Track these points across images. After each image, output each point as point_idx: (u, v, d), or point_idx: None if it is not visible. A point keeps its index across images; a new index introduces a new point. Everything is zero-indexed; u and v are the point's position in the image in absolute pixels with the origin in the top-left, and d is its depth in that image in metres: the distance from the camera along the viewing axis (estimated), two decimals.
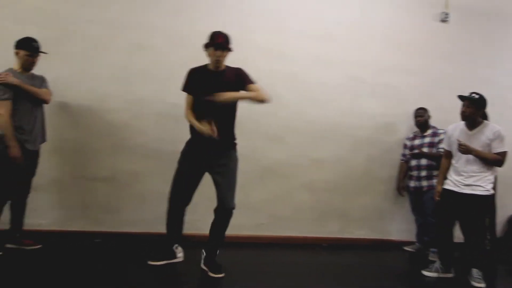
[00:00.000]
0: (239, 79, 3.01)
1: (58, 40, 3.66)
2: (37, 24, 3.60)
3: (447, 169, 3.59)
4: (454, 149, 3.44)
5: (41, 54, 3.25)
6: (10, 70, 3.14)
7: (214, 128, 2.83)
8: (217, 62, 2.95)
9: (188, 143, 3.12)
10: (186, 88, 3.07)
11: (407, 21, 4.67)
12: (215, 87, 2.89)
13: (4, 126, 3.03)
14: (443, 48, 4.76)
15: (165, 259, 3.14)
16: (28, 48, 3.16)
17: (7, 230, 3.28)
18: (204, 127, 2.84)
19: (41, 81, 3.35)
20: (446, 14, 4.73)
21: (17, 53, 3.17)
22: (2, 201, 3.14)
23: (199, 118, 2.95)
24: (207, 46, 2.96)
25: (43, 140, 3.40)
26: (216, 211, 3.01)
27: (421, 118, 4.30)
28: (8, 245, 3.24)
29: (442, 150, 3.81)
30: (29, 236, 3.38)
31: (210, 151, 2.98)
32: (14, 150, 3.05)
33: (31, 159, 3.25)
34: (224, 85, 2.93)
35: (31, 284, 2.61)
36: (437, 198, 3.57)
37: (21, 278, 2.69)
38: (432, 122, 4.32)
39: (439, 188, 3.59)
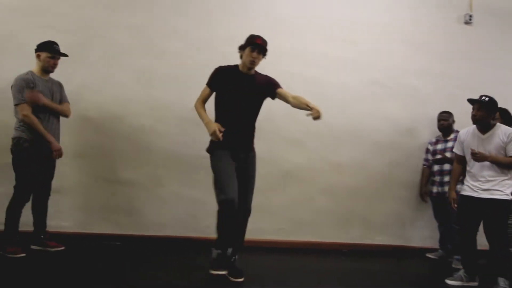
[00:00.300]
0: (270, 84, 3.05)
1: (82, 46, 3.75)
2: (62, 31, 3.67)
3: (459, 175, 3.52)
4: (468, 155, 3.36)
5: (61, 57, 3.32)
6: (30, 73, 3.22)
7: (220, 134, 2.79)
8: (252, 63, 2.92)
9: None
10: (212, 83, 3.00)
11: (430, 24, 4.61)
12: (247, 89, 2.94)
13: (34, 125, 3.12)
14: (467, 50, 4.68)
15: (223, 267, 2.93)
16: (50, 50, 3.23)
17: (31, 232, 3.36)
18: (211, 127, 2.81)
19: (59, 87, 3.43)
20: (470, 16, 4.65)
21: (38, 56, 3.24)
22: (20, 203, 3.19)
23: (221, 117, 2.97)
24: (244, 46, 2.94)
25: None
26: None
27: (445, 122, 4.22)
28: (33, 247, 3.31)
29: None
30: (53, 237, 3.44)
31: (234, 149, 2.95)
32: (54, 145, 3.20)
33: (47, 162, 3.30)
34: (255, 89, 2.98)
35: (50, 285, 2.65)
36: (454, 205, 3.50)
37: (43, 279, 2.74)
38: (455, 126, 4.24)
39: (452, 195, 3.52)
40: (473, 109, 3.30)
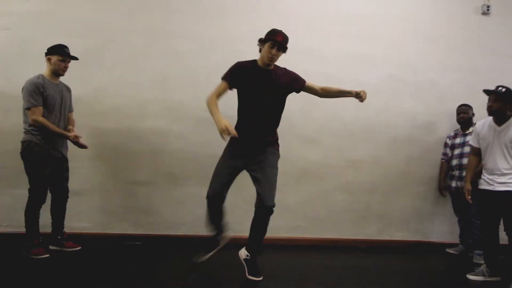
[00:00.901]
0: (295, 80, 3.02)
1: (98, 50, 3.80)
2: (79, 36, 3.73)
3: (475, 167, 3.50)
4: (484, 147, 3.32)
5: (76, 61, 3.37)
6: (41, 77, 3.25)
7: (229, 133, 2.68)
8: (271, 60, 2.87)
9: (232, 138, 2.90)
10: (229, 79, 2.92)
11: (447, 16, 4.54)
12: (268, 86, 2.90)
13: (47, 127, 3.17)
14: (485, 42, 4.59)
15: (210, 250, 3.14)
16: (61, 53, 3.27)
17: (50, 233, 3.43)
18: (221, 124, 2.67)
19: (69, 92, 3.48)
20: (488, 6, 4.55)
21: (49, 59, 3.28)
22: (35, 205, 3.25)
23: (243, 115, 2.97)
24: (264, 41, 2.87)
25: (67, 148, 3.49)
26: (255, 208, 2.89)
27: (465, 115, 4.15)
28: (51, 247, 3.38)
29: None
30: (73, 238, 3.53)
31: (249, 148, 2.94)
32: (70, 135, 3.27)
33: (58, 165, 3.36)
34: (277, 85, 2.93)
35: (73, 285, 2.72)
36: (468, 197, 3.46)
37: (67, 279, 2.80)
38: (474, 119, 4.16)
39: (467, 187, 3.48)
40: (489, 100, 3.25)
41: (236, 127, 2.85)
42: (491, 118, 3.32)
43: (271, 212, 2.84)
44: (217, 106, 2.87)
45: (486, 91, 3.24)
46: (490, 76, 4.44)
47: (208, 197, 2.98)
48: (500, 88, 3.20)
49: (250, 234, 2.96)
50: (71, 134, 3.30)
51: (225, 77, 2.93)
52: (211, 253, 3.13)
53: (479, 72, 4.54)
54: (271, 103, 2.94)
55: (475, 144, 3.46)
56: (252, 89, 2.88)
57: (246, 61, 2.96)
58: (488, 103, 3.25)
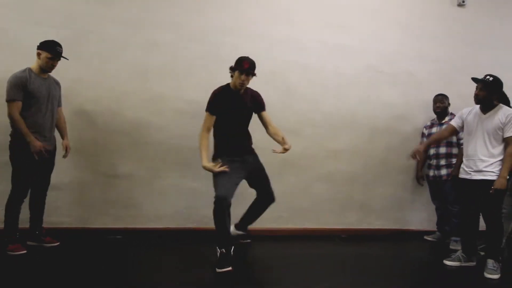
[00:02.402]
0: (257, 104, 3.41)
1: (75, 40, 3.69)
2: (54, 25, 3.64)
3: (443, 138, 3.66)
4: (466, 133, 3.38)
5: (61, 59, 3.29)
6: (28, 70, 3.18)
7: (217, 167, 3.11)
8: (242, 85, 3.23)
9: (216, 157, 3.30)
10: (212, 109, 3.28)
11: (424, 7, 4.61)
12: (240, 106, 3.30)
13: (16, 123, 3.09)
14: (461, 33, 4.69)
15: (228, 264, 2.92)
16: (51, 51, 3.18)
17: (28, 228, 3.35)
18: (207, 167, 3.13)
19: (57, 87, 3.42)
20: None
21: (38, 54, 3.20)
22: (18, 199, 3.19)
23: (221, 133, 3.33)
24: (233, 69, 3.23)
25: (54, 142, 3.43)
26: (262, 199, 3.45)
27: (441, 104, 4.22)
28: (29, 243, 3.31)
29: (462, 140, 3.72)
30: (53, 233, 3.47)
31: (240, 156, 3.30)
32: (34, 144, 3.11)
33: (45, 158, 3.27)
34: (247, 105, 3.34)
35: (54, 281, 2.67)
36: (416, 151, 3.44)
37: (45, 276, 2.75)
38: (451, 109, 4.26)
39: (419, 147, 3.48)
40: (476, 88, 3.29)
41: (218, 141, 3.34)
42: (478, 106, 3.36)
43: (273, 199, 3.47)
44: (207, 143, 3.24)
45: (475, 79, 3.28)
46: (466, 67, 4.54)
47: (219, 198, 2.96)
48: (488, 77, 3.23)
49: (248, 212, 3.54)
50: (34, 147, 3.11)
51: (208, 109, 3.29)
52: (229, 269, 2.89)
53: (456, 63, 4.63)
54: (242, 119, 3.38)
55: (454, 124, 3.47)
56: (227, 110, 3.27)
57: (220, 88, 3.32)
58: (475, 91, 3.29)
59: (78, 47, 3.70)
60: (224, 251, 2.94)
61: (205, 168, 3.14)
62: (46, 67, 3.23)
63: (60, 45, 3.23)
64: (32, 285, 2.57)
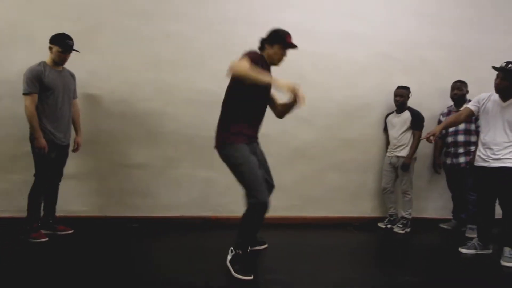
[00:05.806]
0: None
1: (89, 33, 3.76)
2: (69, 19, 3.70)
3: (459, 122, 3.47)
4: (484, 121, 3.30)
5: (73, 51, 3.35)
6: (42, 64, 3.25)
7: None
8: (281, 61, 2.84)
9: (233, 142, 2.74)
10: (256, 61, 2.65)
11: None
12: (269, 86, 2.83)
13: (29, 117, 3.16)
14: (476, 18, 4.56)
15: (250, 271, 2.70)
16: (61, 45, 3.25)
17: (42, 217, 3.45)
18: (288, 82, 2.43)
19: (73, 79, 3.49)
20: None
21: (50, 48, 3.27)
22: (40, 189, 3.29)
23: (245, 109, 2.77)
24: (271, 42, 2.77)
25: (70, 134, 3.51)
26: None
27: (459, 92, 4.12)
28: (43, 231, 3.39)
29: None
30: (71, 221, 3.60)
31: (253, 140, 2.92)
32: (39, 141, 3.18)
33: (60, 151, 3.38)
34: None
35: (75, 266, 2.77)
36: (427, 136, 3.30)
37: (67, 262, 2.85)
38: (468, 96, 4.17)
39: (434, 131, 3.30)
40: (497, 77, 3.20)
41: (239, 124, 2.77)
42: (496, 94, 3.27)
43: (274, 187, 3.12)
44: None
45: (495, 68, 3.19)
46: (482, 53, 4.44)
47: (263, 205, 2.59)
48: (510, 65, 3.13)
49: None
50: (38, 143, 3.18)
51: (252, 60, 2.60)
52: (250, 277, 2.65)
53: (471, 48, 4.53)
54: (266, 100, 2.95)
55: (472, 107, 3.37)
56: (260, 86, 2.63)
57: (259, 55, 2.79)
58: (496, 80, 3.20)
59: (91, 39, 3.76)
60: (240, 252, 2.74)
61: (290, 84, 2.40)
62: (59, 61, 3.30)
63: (70, 38, 3.29)
64: (52, 270, 2.66)
